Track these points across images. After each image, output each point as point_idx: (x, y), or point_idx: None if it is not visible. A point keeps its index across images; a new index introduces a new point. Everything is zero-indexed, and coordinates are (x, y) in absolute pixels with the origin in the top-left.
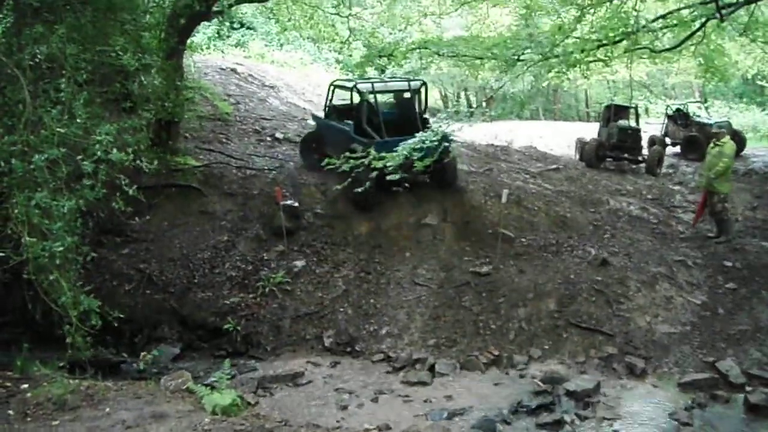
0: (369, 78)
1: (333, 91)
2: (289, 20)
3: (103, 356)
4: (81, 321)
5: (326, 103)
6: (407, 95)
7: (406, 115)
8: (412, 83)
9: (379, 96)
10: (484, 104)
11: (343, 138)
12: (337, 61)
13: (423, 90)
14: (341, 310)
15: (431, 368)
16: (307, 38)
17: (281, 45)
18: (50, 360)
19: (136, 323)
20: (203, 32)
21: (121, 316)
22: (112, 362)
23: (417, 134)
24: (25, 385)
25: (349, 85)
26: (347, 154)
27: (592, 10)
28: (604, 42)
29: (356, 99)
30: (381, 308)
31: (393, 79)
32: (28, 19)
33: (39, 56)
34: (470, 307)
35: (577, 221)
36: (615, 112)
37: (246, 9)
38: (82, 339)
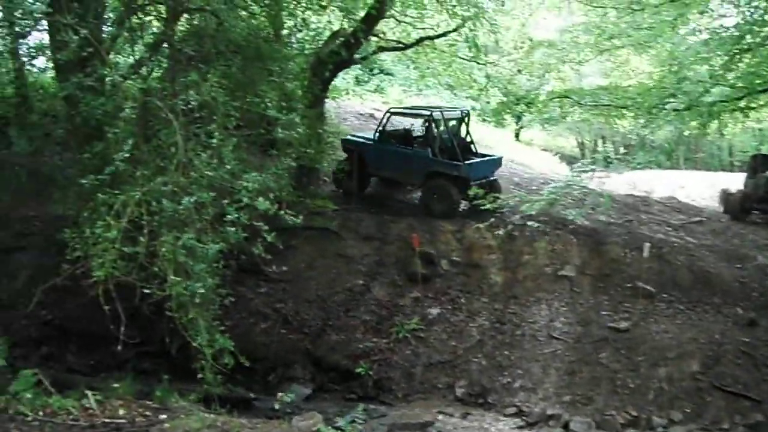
0: (424, 106)
1: (389, 119)
2: (428, 68)
3: (237, 393)
4: (215, 358)
5: (380, 129)
6: (458, 122)
7: (457, 140)
8: (462, 111)
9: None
10: (623, 153)
11: (416, 162)
12: (473, 108)
13: (467, 118)
14: (475, 360)
15: (565, 426)
16: (445, 85)
17: (420, 90)
18: (186, 392)
19: (269, 362)
20: (343, 77)
21: (250, 359)
22: (244, 399)
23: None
24: (164, 416)
25: (413, 111)
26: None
27: (739, 57)
28: (751, 90)
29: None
30: (515, 360)
31: (445, 108)
32: (182, 66)
33: (192, 102)
34: (608, 364)
35: (722, 277)
36: (762, 162)
37: (386, 56)
38: (213, 377)
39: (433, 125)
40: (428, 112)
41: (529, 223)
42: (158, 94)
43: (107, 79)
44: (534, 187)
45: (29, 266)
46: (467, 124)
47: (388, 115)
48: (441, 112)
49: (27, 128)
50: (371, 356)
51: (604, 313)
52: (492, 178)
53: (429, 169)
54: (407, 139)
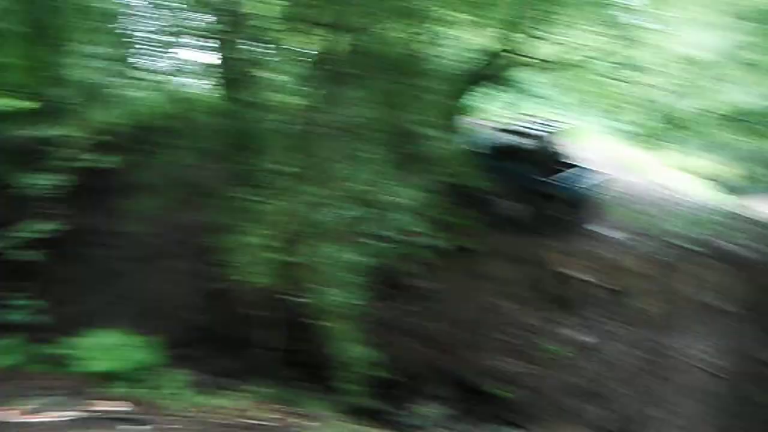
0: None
1: (498, 134)
2: (578, 91)
3: (378, 406)
4: (356, 369)
5: (490, 145)
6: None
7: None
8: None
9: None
10: None
11: (522, 178)
12: (626, 131)
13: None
14: (623, 390)
15: None
16: (595, 107)
17: (557, 108)
18: (325, 401)
19: (412, 377)
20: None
21: (387, 373)
22: (385, 412)
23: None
24: (315, 423)
25: (521, 128)
26: None
27: None
28: None
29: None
30: (665, 394)
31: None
32: (339, 82)
33: (347, 118)
34: (765, 403)
35: None
36: None
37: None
38: (355, 386)
39: (539, 142)
40: (536, 130)
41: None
42: (315, 110)
43: (267, 94)
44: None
45: (184, 272)
46: (566, 139)
47: (497, 130)
48: (545, 128)
49: (193, 141)
50: (516, 380)
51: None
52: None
53: (536, 186)
54: (514, 155)
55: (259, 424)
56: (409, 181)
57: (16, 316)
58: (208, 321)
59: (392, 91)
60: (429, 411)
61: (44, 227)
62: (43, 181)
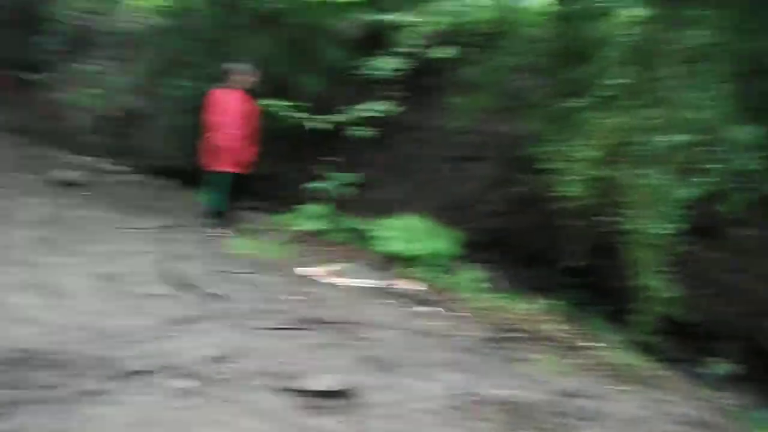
0: None
1: None
2: None
3: (665, 347)
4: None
5: None
6: None
7: None
8: None
9: None
10: None
11: None
12: None
13: None
14: None
15: None
16: None
17: None
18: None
19: (706, 326)
20: None
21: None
22: (671, 356)
23: None
24: (599, 345)
25: None
26: None
27: None
28: None
29: None
30: None
31: None
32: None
33: (690, 39)
34: None
35: None
36: None
37: None
38: (647, 321)
39: None
40: None
41: None
42: (656, 26)
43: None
44: None
45: (482, 177)
46: None
47: None
48: None
49: (521, 50)
50: None
51: None
52: None
53: None
54: None
55: (548, 336)
56: (754, 120)
57: (328, 187)
58: (508, 227)
59: (749, 15)
60: (718, 366)
61: (378, 108)
62: (382, 66)
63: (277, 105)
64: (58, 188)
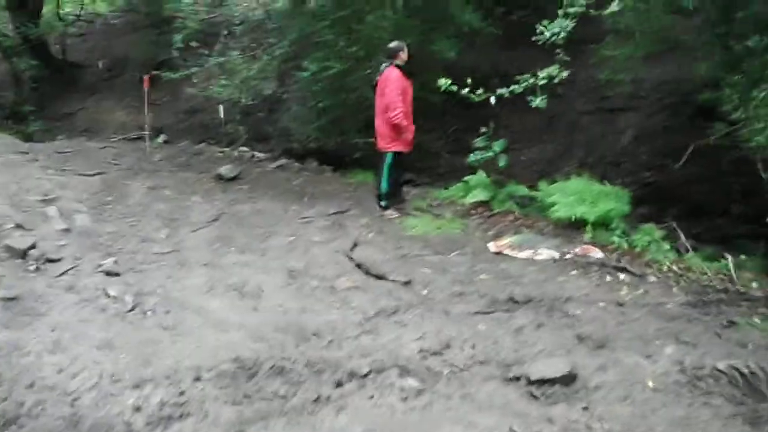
0: None
1: None
2: None
3: None
4: None
5: None
6: None
7: None
8: None
9: None
10: None
11: None
12: None
13: None
14: None
15: None
16: None
17: None
18: None
19: None
20: None
21: None
22: None
23: None
24: None
25: None
26: None
27: None
28: None
29: None
30: None
31: None
32: None
33: None
34: None
35: None
36: None
37: None
38: None
39: None
40: None
41: None
42: None
43: None
44: None
45: (635, 126)
46: None
47: None
48: None
49: None
50: None
51: None
52: None
53: None
54: None
55: (742, 292)
56: None
57: (486, 157)
58: (660, 179)
59: None
60: None
61: (550, 73)
62: (553, 29)
63: (443, 82)
64: (218, 184)
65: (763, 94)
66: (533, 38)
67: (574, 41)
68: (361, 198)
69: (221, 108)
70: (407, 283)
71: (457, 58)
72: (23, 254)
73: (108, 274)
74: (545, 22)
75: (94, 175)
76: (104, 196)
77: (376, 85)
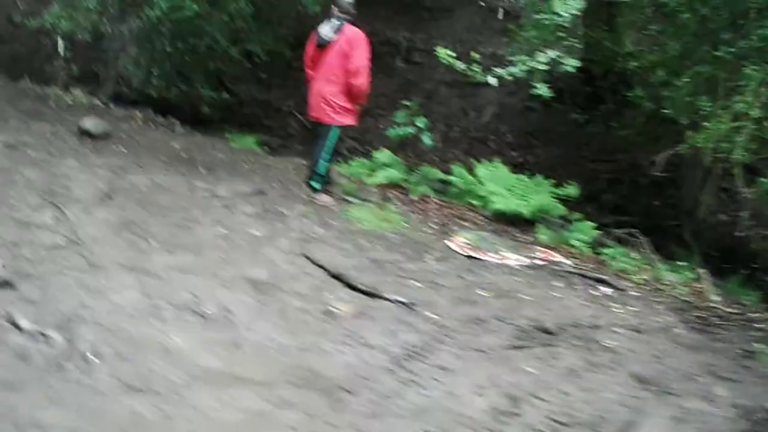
0: None
1: None
2: None
3: None
4: None
5: None
6: None
7: None
8: None
9: None
10: None
11: None
12: None
13: None
14: None
15: None
16: None
17: None
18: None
19: None
20: None
21: None
22: None
23: None
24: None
25: None
26: None
27: None
28: None
29: None
30: None
31: None
32: None
33: None
34: None
35: None
36: None
37: None
38: None
39: None
40: None
41: None
42: None
43: None
44: None
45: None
46: None
47: None
48: None
49: None
50: None
51: None
52: None
53: None
54: None
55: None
56: None
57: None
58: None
59: None
60: None
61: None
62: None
63: (442, 53)
64: (86, 142)
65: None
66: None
67: None
68: (270, 173)
69: (61, 42)
70: (411, 306)
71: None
72: None
73: None
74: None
75: None
76: None
77: (321, 45)
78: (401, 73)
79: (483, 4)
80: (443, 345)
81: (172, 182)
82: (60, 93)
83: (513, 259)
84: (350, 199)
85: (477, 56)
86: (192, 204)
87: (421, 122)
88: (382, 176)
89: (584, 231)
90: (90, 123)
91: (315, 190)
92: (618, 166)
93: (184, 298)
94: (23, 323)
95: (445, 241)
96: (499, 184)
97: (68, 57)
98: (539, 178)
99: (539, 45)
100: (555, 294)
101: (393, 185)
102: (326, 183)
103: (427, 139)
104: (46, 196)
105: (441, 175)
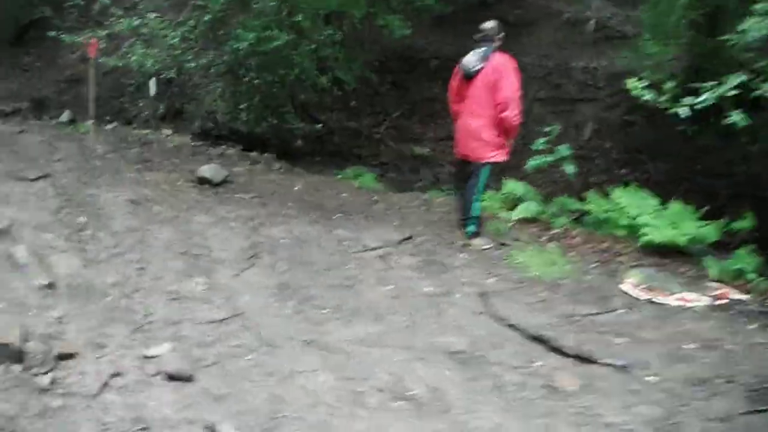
0: None
1: None
2: None
3: None
4: None
5: None
6: None
7: None
8: None
9: None
10: None
11: None
12: None
13: None
14: None
15: None
16: None
17: None
18: None
19: None
20: None
21: None
22: None
23: None
24: None
25: None
26: None
27: None
28: None
29: None
30: None
31: None
32: None
33: None
34: None
35: None
36: None
37: None
38: None
39: None
40: None
41: None
42: None
43: None
44: None
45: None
46: None
47: None
48: None
49: None
50: None
51: None
52: None
53: None
54: None
55: None
56: None
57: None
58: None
59: None
60: None
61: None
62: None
63: (632, 84)
64: (207, 191)
65: None
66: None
67: None
68: (408, 215)
69: (153, 82)
70: (628, 369)
71: (409, 37)
72: (18, 356)
73: (172, 378)
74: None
75: (37, 179)
76: (70, 216)
77: (467, 76)
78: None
79: (568, 15)
80: (682, 416)
81: (313, 233)
82: (159, 134)
83: (693, 299)
84: (505, 240)
85: (671, 85)
86: (344, 258)
87: (563, 150)
88: (521, 210)
89: (744, 259)
90: (207, 170)
91: (470, 234)
92: (737, 181)
93: (383, 379)
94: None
95: (619, 285)
96: (642, 210)
97: (157, 96)
98: (678, 201)
99: (667, 58)
100: (760, 340)
101: (532, 219)
102: (480, 225)
103: (570, 168)
104: (187, 259)
105: (578, 204)
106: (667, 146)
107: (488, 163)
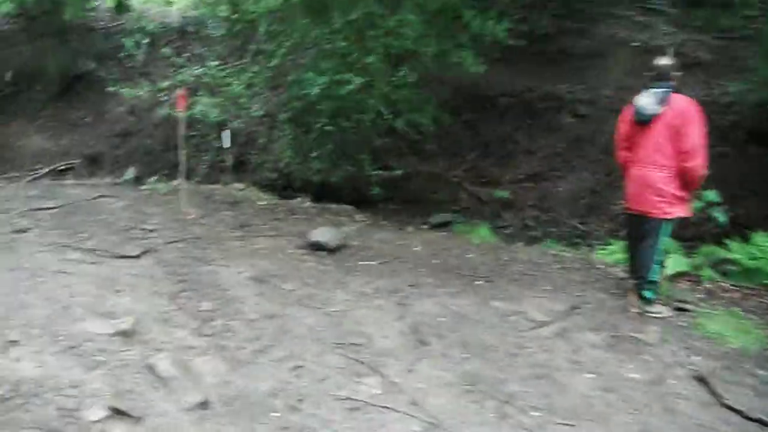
0: None
1: None
2: None
3: None
4: None
5: None
6: None
7: None
8: None
9: None
10: None
11: None
12: None
13: None
14: None
15: None
16: None
17: None
18: None
19: None
20: None
21: None
22: None
23: None
24: None
25: None
26: None
27: None
28: None
29: None
30: None
31: None
32: None
33: None
34: None
35: None
36: None
37: None
38: None
39: None
40: None
41: None
42: None
43: None
44: None
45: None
46: None
47: None
48: None
49: None
50: None
51: None
52: None
53: None
54: None
55: None
56: None
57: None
58: None
59: None
60: None
61: None
62: None
63: None
64: (325, 259)
65: None
66: None
67: None
68: (554, 276)
69: (227, 134)
70: None
71: (477, 74)
72: None
73: None
74: None
75: (138, 256)
76: (192, 301)
77: (641, 121)
78: (569, 128)
79: (638, 44)
80: None
81: (468, 307)
82: (233, 189)
83: None
84: (682, 305)
85: None
86: (519, 339)
87: (711, 195)
88: (674, 265)
89: None
90: (320, 234)
91: (647, 300)
92: None
93: None
94: None
95: None
96: None
97: (229, 148)
98: None
99: None
100: None
101: (681, 274)
102: (658, 291)
103: (720, 216)
104: (345, 351)
105: (723, 253)
106: (765, 178)
107: (670, 219)
